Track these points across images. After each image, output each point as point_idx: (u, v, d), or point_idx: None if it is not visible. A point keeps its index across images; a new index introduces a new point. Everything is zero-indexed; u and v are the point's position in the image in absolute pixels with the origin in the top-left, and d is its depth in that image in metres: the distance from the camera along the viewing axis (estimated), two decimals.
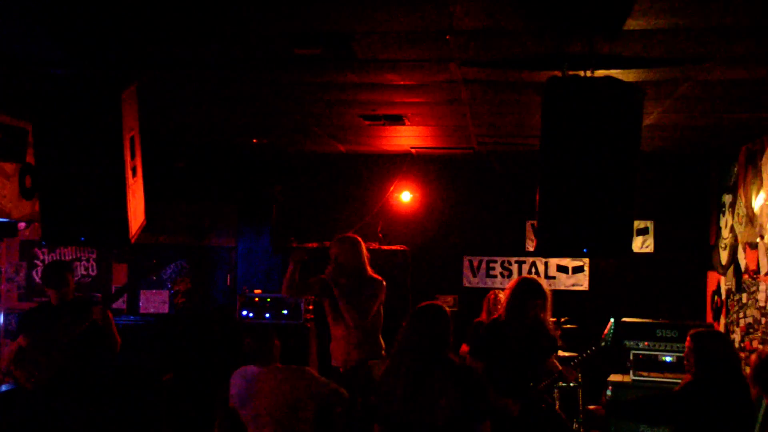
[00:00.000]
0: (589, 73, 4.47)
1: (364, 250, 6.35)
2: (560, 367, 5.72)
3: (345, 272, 6.21)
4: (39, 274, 8.78)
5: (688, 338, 4.95)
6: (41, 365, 5.79)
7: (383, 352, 6.30)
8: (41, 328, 5.90)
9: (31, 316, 6.16)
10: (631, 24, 3.94)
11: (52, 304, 6.11)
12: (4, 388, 7.21)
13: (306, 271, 6.35)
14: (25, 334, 5.89)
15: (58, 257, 8.88)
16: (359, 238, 6.41)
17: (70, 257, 8.91)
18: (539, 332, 5.62)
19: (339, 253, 6.25)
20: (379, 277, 6.32)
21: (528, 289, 5.60)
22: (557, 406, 7.34)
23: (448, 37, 4.28)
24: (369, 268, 6.33)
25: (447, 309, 4.61)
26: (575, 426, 7.62)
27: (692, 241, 8.77)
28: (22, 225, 8.60)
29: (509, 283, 5.85)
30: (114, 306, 8.81)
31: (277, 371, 5.39)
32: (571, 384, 7.52)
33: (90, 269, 8.82)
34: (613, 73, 4.65)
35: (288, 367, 5.44)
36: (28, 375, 5.78)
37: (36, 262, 8.81)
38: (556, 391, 7.46)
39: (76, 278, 8.89)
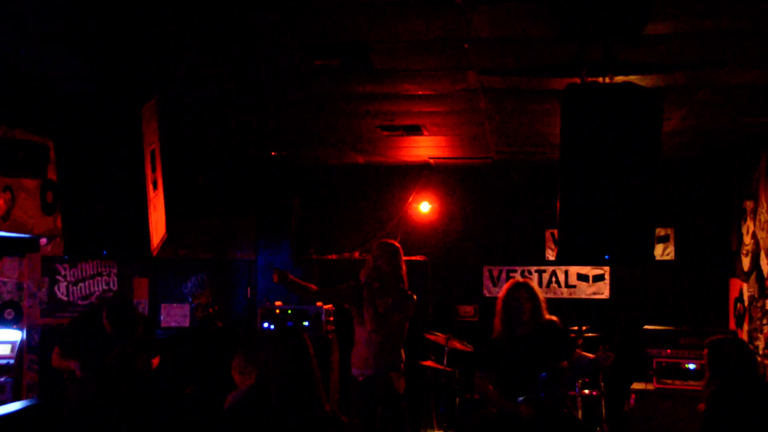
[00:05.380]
0: (608, 80, 4.45)
1: (403, 261, 6.35)
2: (591, 356, 5.63)
3: (380, 276, 6.22)
4: (61, 289, 8.82)
5: (705, 347, 4.91)
6: (91, 387, 5.78)
7: (402, 365, 6.29)
8: (94, 354, 5.78)
9: (80, 335, 5.93)
10: (650, 29, 3.93)
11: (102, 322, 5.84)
12: (25, 403, 7.24)
13: (330, 281, 6.37)
14: (79, 363, 5.76)
15: (80, 272, 8.92)
16: (400, 247, 6.38)
17: (92, 272, 8.95)
18: (541, 335, 5.55)
19: (379, 256, 6.27)
20: (412, 294, 6.32)
21: (513, 286, 5.59)
22: (579, 415, 7.28)
23: (466, 46, 4.28)
24: (405, 280, 6.31)
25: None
26: None
27: (714, 248, 8.69)
28: (44, 241, 8.65)
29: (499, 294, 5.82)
30: None
31: None
32: (594, 394, 7.46)
33: (111, 284, 8.85)
34: (633, 78, 4.63)
35: None
36: (77, 396, 5.82)
37: (58, 277, 8.85)
38: (578, 400, 7.40)
39: (97, 293, 8.93)
